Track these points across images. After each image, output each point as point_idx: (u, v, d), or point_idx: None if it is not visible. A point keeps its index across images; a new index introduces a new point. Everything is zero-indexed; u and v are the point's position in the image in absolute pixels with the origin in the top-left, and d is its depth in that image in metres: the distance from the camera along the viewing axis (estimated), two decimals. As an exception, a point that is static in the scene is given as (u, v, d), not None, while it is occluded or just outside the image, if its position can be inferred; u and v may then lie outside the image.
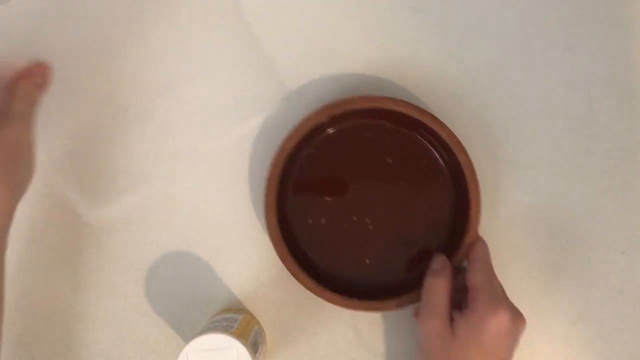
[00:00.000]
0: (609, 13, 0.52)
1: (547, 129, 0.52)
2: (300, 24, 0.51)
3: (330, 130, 0.49)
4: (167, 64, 0.51)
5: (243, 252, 0.52)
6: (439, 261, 0.48)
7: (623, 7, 0.52)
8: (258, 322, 0.51)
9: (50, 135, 0.51)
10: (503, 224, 0.52)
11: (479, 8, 0.52)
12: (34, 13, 0.50)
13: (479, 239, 0.49)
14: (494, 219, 0.52)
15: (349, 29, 0.52)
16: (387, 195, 0.50)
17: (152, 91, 0.51)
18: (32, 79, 0.47)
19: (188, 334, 0.52)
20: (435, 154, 0.50)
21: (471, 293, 0.45)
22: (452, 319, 0.45)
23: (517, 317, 0.45)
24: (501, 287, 0.47)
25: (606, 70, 0.52)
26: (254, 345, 0.47)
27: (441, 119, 0.48)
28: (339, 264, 0.50)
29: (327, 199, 0.50)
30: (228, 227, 0.52)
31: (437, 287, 0.46)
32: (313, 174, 0.50)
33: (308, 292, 0.49)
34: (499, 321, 0.43)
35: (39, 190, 0.51)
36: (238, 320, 0.48)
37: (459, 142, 0.47)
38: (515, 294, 0.52)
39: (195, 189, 0.52)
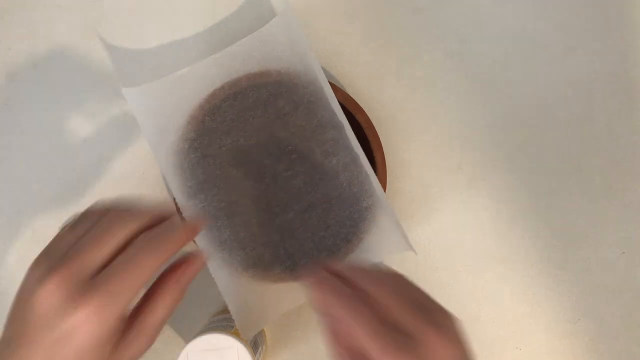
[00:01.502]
0: (609, 13, 0.52)
1: (547, 128, 0.52)
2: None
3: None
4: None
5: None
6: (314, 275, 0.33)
7: (623, 7, 0.52)
8: (258, 322, 0.51)
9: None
10: (505, 224, 0.52)
11: (479, 8, 0.52)
12: None
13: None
14: (496, 219, 0.52)
15: (350, 30, 0.52)
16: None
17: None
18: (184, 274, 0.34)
19: (188, 334, 0.52)
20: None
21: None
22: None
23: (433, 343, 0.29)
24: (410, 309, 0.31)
25: (606, 70, 0.52)
26: (254, 345, 0.47)
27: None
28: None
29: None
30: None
31: (322, 324, 0.32)
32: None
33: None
34: None
35: (38, 193, 0.52)
36: (238, 320, 0.48)
37: (354, 102, 0.48)
38: (516, 294, 0.52)
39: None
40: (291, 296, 0.48)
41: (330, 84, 0.47)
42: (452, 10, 0.52)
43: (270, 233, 0.49)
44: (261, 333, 0.51)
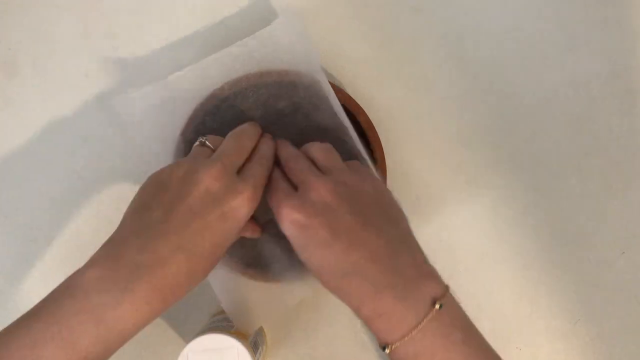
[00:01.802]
0: (609, 13, 0.52)
1: (547, 129, 0.52)
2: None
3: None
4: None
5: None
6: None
7: (623, 7, 0.52)
8: (258, 322, 0.51)
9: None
10: (505, 224, 0.52)
11: (479, 8, 0.52)
12: None
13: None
14: (496, 219, 0.52)
15: (349, 30, 0.52)
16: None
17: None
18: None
19: (188, 334, 0.52)
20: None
21: None
22: None
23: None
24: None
25: (606, 70, 0.52)
26: (254, 345, 0.47)
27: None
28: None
29: None
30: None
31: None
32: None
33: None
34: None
35: (38, 191, 0.52)
36: (238, 320, 0.48)
37: (354, 102, 0.48)
38: (516, 294, 0.52)
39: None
40: (289, 294, 0.48)
41: (331, 84, 0.47)
42: (452, 10, 0.52)
43: (268, 232, 0.48)
44: (261, 333, 0.51)
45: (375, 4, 0.52)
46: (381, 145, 0.48)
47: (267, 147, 0.44)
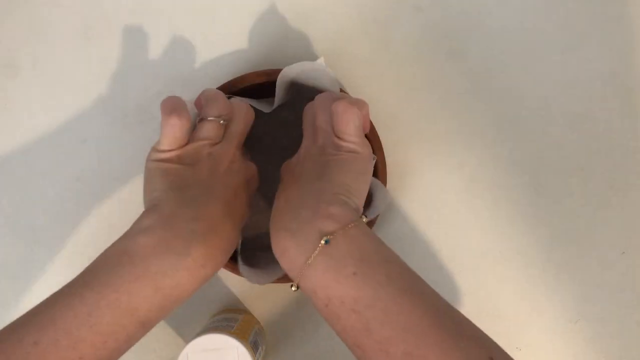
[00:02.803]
0: (609, 13, 0.52)
1: (547, 129, 0.52)
2: (307, 27, 0.52)
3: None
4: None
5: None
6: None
7: (623, 7, 0.52)
8: (258, 322, 0.51)
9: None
10: (505, 224, 0.52)
11: (479, 7, 0.52)
12: None
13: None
14: (496, 219, 0.52)
15: (350, 29, 0.52)
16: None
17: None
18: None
19: (188, 334, 0.52)
20: None
21: None
22: None
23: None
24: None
25: (606, 70, 0.52)
26: (254, 345, 0.47)
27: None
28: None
29: None
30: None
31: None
32: None
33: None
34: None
35: (39, 192, 0.52)
36: (238, 320, 0.48)
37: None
38: (516, 293, 0.52)
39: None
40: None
41: None
42: (453, 9, 0.52)
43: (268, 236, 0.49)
44: (261, 333, 0.51)
45: (376, 3, 0.52)
46: (381, 146, 0.48)
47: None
